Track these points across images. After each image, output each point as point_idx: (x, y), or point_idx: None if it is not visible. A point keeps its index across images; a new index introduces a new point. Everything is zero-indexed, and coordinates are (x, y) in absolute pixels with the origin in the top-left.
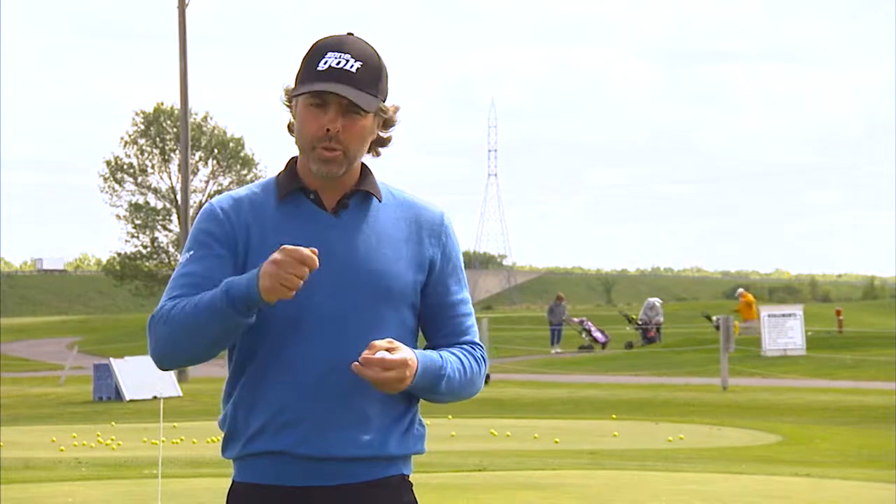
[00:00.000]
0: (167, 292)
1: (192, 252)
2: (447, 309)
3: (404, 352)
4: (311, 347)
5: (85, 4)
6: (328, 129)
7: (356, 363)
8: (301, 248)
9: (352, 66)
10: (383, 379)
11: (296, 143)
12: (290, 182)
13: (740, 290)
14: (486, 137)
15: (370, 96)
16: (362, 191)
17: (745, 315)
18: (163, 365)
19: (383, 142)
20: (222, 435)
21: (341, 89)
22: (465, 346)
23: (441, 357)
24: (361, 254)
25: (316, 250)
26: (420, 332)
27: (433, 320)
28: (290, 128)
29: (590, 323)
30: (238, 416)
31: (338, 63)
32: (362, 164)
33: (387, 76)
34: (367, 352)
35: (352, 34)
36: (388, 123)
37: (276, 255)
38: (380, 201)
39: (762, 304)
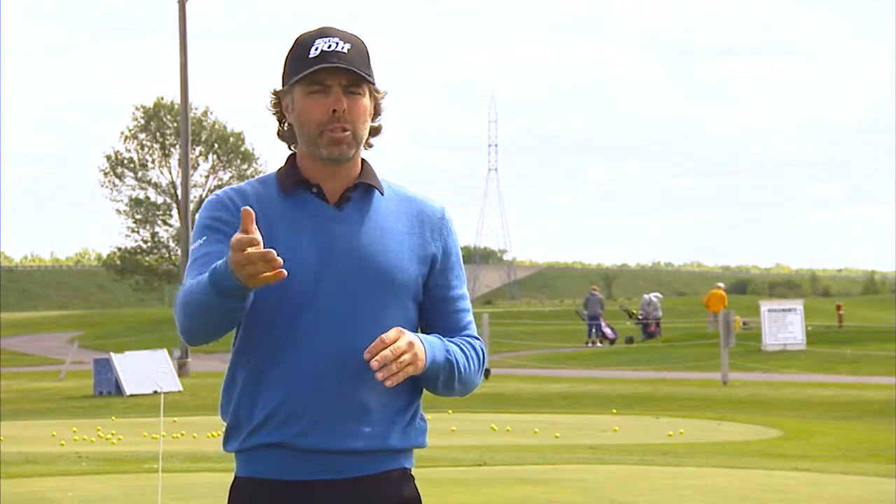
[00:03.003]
0: (188, 273)
1: (204, 238)
2: (447, 304)
3: (407, 335)
4: (315, 338)
5: None
6: (335, 110)
7: (377, 373)
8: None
9: (342, 48)
10: (402, 369)
11: (295, 138)
12: (293, 175)
13: (719, 284)
14: (486, 132)
15: (365, 74)
16: (364, 183)
17: (713, 307)
18: (189, 342)
19: (374, 131)
20: (224, 426)
21: (340, 66)
22: (465, 338)
23: (442, 340)
24: (365, 245)
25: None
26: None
27: (433, 315)
28: (279, 135)
29: (601, 318)
30: (241, 407)
31: (328, 47)
32: (362, 158)
33: (371, 62)
34: (370, 355)
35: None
36: (376, 111)
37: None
38: (382, 194)
39: (762, 298)
